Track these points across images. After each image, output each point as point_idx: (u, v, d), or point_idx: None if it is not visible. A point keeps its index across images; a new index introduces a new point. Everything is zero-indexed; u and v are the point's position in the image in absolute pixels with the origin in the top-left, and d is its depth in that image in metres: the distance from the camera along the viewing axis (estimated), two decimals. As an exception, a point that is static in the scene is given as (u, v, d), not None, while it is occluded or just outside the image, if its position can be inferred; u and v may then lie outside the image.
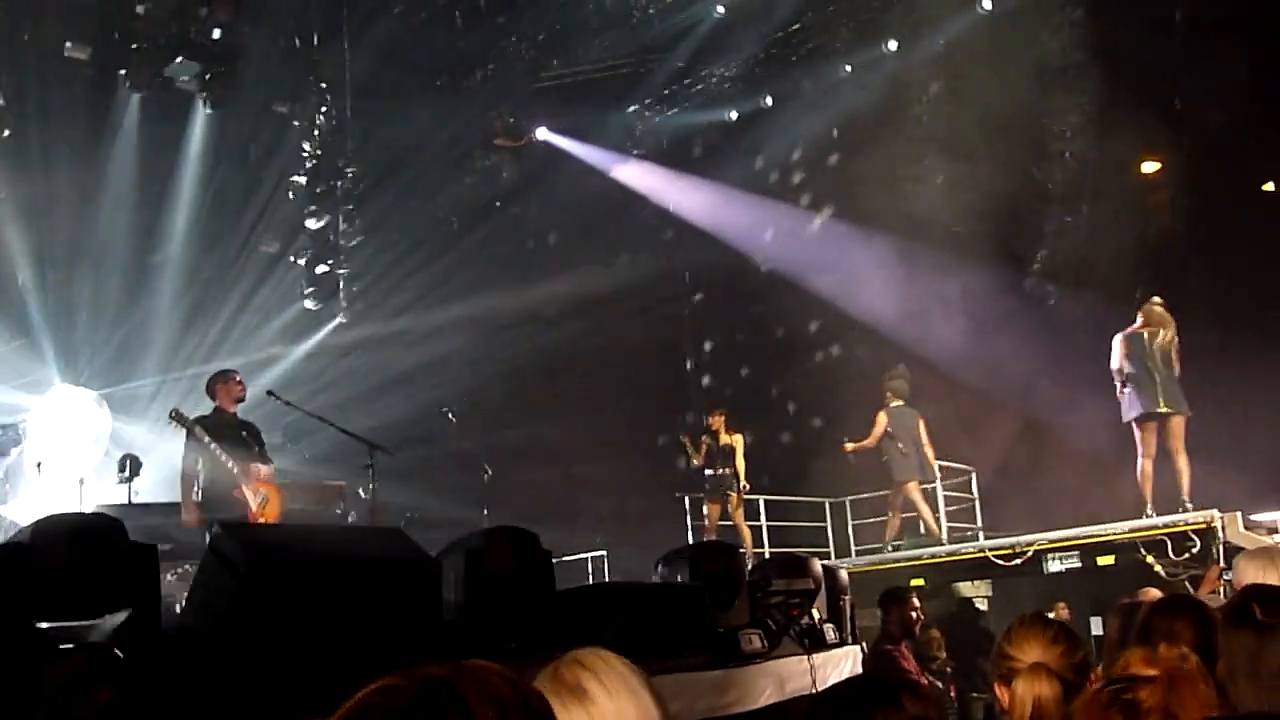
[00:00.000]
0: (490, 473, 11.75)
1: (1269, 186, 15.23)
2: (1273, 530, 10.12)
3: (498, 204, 15.68)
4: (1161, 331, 10.16)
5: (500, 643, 4.38)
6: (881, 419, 12.28)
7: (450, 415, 12.64)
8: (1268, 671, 2.53)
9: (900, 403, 12.39)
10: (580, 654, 1.89)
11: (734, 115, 15.47)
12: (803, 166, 15.18)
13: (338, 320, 14.21)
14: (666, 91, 15.27)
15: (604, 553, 12.71)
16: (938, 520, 12.44)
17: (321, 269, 14.08)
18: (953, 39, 13.59)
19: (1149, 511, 10.18)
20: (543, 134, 15.31)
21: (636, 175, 15.71)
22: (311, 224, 13.97)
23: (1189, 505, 9.95)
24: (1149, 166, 14.83)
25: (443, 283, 14.20)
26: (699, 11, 14.12)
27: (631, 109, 15.36)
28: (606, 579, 11.96)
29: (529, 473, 13.40)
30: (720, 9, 14.00)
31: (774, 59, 14.70)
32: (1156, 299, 10.35)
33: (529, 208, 15.90)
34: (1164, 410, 10.02)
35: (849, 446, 12.50)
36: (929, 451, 12.34)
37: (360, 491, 9.27)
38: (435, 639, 4.15)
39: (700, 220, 15.71)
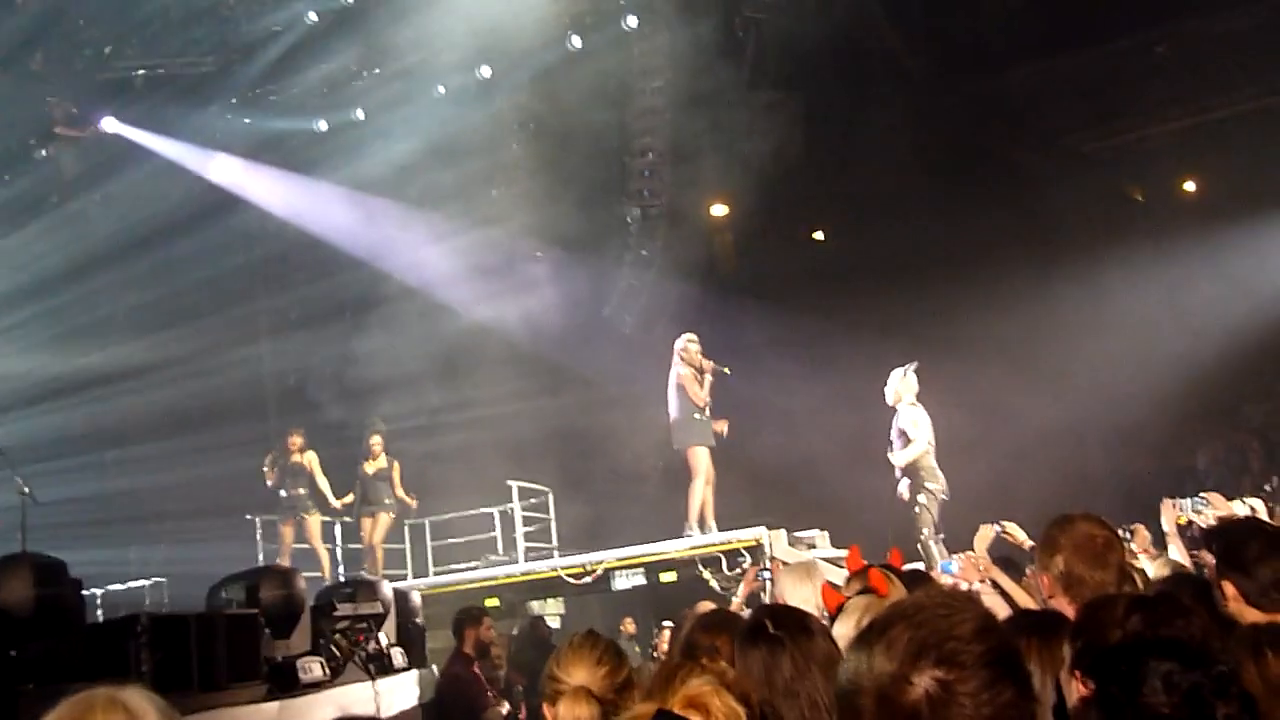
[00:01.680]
0: (29, 493, 10.48)
1: (818, 235, 17.01)
2: (811, 545, 11.18)
3: (54, 200, 14.24)
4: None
5: (14, 684, 3.92)
6: None
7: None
8: (783, 685, 2.69)
9: None
10: (96, 694, 1.69)
11: (324, 125, 14.98)
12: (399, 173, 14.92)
13: None
14: (252, 93, 14.52)
15: (163, 579, 11.78)
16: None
17: None
18: (542, 71, 13.99)
19: (689, 530, 10.96)
20: (111, 125, 14.04)
21: (217, 170, 14.78)
22: None
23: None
24: (717, 209, 16.09)
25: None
26: (290, 16, 13.60)
27: (213, 108, 14.44)
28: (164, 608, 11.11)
29: (82, 494, 12.16)
30: (313, 16, 13.56)
31: (367, 73, 14.45)
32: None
33: (90, 204, 14.54)
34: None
35: None
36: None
37: None
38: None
39: (282, 213, 15.06)
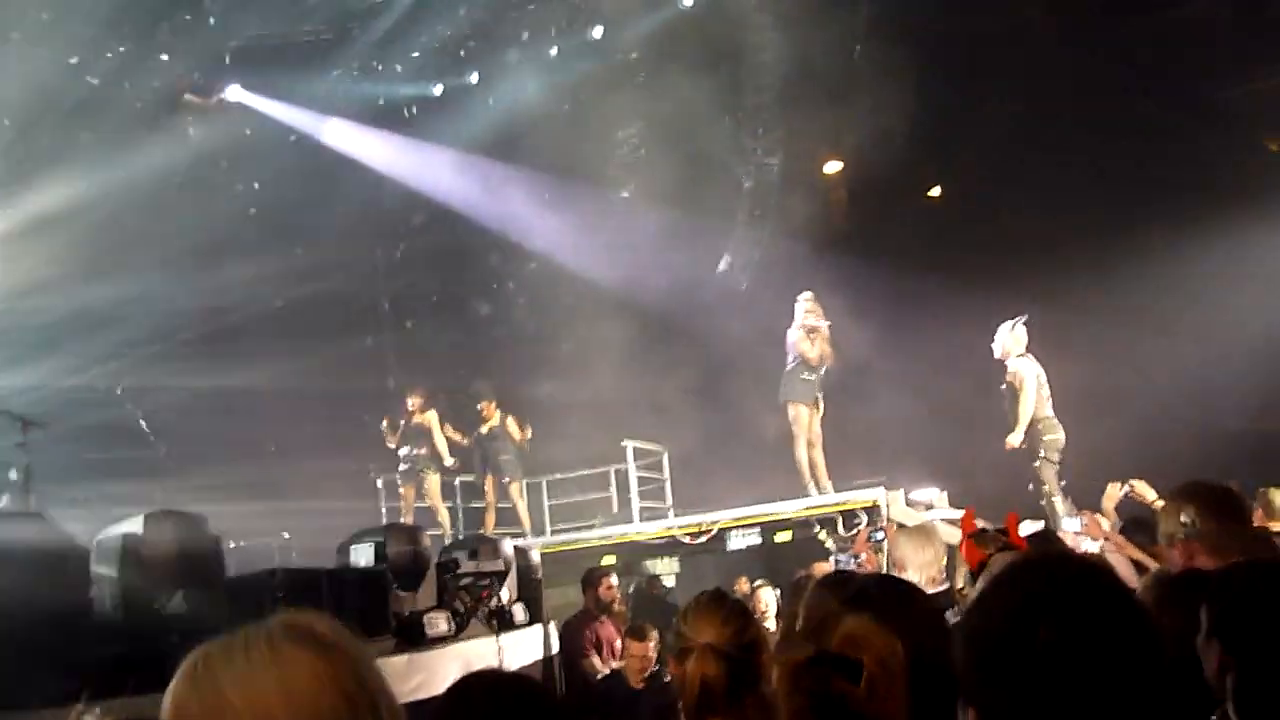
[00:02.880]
0: (163, 448, 10.94)
1: (935, 192, 16.62)
2: (929, 506, 11.05)
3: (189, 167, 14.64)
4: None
5: (161, 635, 4.09)
6: None
7: (119, 391, 11.71)
8: None
9: None
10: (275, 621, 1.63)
11: (439, 89, 15.15)
12: (513, 138, 14.99)
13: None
14: (369, 61, 14.75)
15: (287, 535, 12.18)
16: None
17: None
18: (653, 32, 13.92)
19: (806, 490, 10.96)
20: (235, 93, 14.41)
21: (340, 136, 15.06)
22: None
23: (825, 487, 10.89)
24: (831, 167, 15.83)
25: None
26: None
27: (334, 74, 14.71)
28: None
29: (211, 449, 12.61)
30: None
31: (481, 37, 14.54)
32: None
33: (221, 172, 14.95)
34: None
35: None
36: None
37: (12, 473, 8.41)
38: (84, 634, 3.83)
39: (410, 180, 15.28)
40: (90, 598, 4.10)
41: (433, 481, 12.72)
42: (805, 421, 10.99)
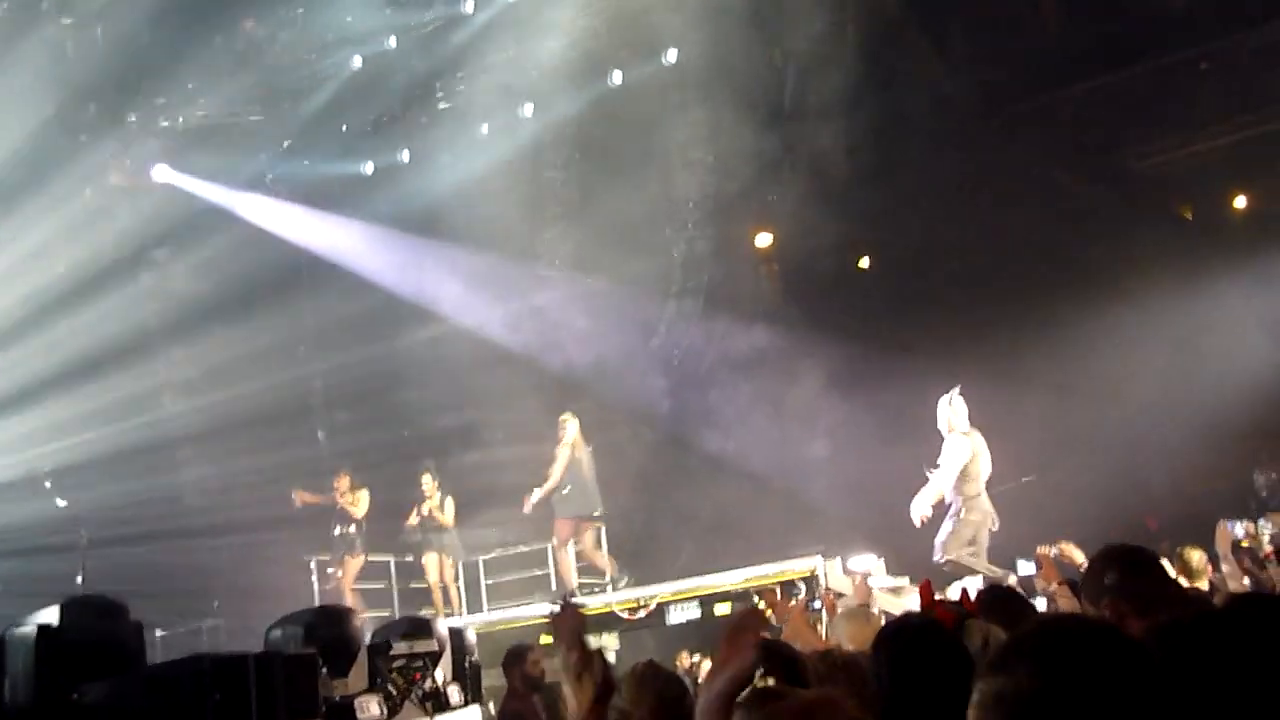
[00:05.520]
0: (86, 539, 10.63)
1: (863, 263, 16.93)
2: (867, 575, 11.05)
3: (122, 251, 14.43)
4: None
5: (77, 727, 3.95)
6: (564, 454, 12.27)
7: (46, 484, 11.43)
8: None
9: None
10: None
11: (370, 168, 15.16)
12: (442, 214, 14.97)
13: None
14: (300, 139, 14.73)
15: (219, 622, 11.87)
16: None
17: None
18: (584, 107, 14.11)
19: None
20: (163, 173, 14.29)
21: (269, 215, 14.94)
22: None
23: None
24: (762, 240, 16.09)
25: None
26: (336, 63, 13.84)
27: (263, 155, 14.67)
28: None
29: (136, 540, 12.28)
30: (358, 60, 13.79)
31: (411, 115, 14.62)
32: None
33: (152, 254, 14.76)
34: None
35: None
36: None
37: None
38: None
39: (331, 255, 15.16)
40: (2, 689, 3.94)
41: (358, 563, 12.62)
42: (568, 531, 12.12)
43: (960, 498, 9.66)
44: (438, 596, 12.80)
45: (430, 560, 12.80)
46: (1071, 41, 14.11)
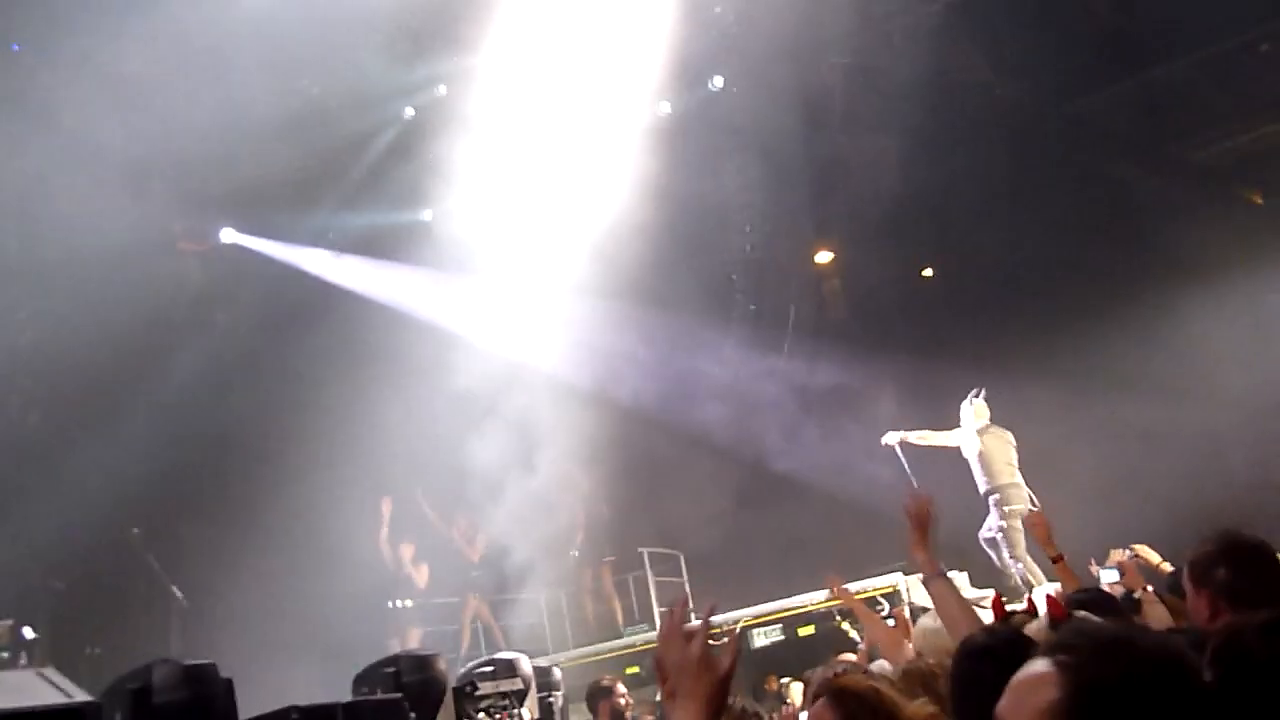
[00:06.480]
0: (182, 598, 10.79)
1: (927, 272, 16.76)
2: (951, 589, 10.95)
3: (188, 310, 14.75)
4: None
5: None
6: None
7: (135, 531, 11.59)
8: None
9: None
10: None
11: (429, 215, 15.33)
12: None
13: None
14: (357, 191, 14.96)
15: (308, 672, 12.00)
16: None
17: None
18: (634, 137, 14.16)
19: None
20: (229, 235, 14.63)
21: (335, 270, 15.18)
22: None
23: None
24: (822, 257, 16.00)
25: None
26: (389, 113, 14.09)
27: (321, 209, 14.92)
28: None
29: (230, 596, 12.48)
30: (410, 110, 14.03)
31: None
32: None
33: (219, 312, 15.05)
34: None
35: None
36: None
37: (27, 631, 8.35)
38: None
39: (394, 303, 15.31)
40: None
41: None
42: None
43: (996, 494, 10.08)
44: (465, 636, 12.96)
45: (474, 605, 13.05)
46: (1125, 34, 13.86)
